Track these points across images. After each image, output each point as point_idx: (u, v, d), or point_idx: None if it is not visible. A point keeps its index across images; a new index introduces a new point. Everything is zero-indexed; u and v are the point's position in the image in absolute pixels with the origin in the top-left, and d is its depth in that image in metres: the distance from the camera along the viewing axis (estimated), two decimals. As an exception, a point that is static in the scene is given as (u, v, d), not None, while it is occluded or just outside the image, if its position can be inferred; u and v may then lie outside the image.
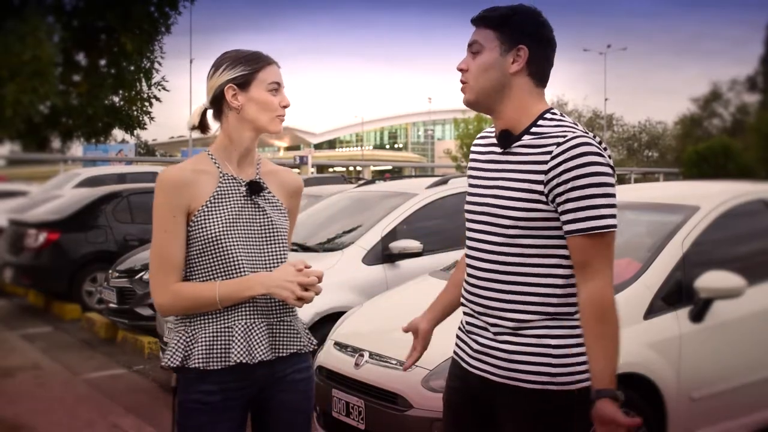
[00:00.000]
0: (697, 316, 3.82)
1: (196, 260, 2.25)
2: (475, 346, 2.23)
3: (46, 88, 8.65)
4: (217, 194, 2.26)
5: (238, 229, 2.25)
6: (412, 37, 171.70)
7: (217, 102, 2.30)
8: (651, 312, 3.72)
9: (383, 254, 5.66)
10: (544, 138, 2.12)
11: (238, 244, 2.24)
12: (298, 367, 2.35)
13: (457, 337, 2.36)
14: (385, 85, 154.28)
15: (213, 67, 2.31)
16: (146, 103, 11.43)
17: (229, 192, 2.28)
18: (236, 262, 2.23)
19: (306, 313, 5.33)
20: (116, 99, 11.33)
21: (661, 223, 4.25)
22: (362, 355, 3.96)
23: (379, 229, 5.78)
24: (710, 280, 3.81)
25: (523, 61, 2.15)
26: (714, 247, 4.12)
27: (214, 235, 2.22)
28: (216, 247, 2.22)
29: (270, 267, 2.29)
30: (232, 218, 2.25)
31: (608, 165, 2.06)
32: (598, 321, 2.04)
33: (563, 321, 2.13)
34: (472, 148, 2.38)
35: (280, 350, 2.30)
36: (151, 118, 11.74)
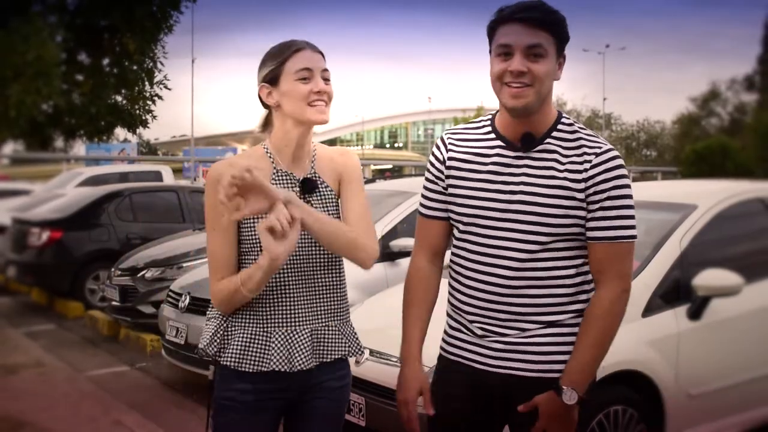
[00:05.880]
0: (694, 314, 3.85)
1: (244, 259, 2.19)
2: (498, 346, 2.21)
3: (50, 88, 8.70)
4: None
5: None
6: (412, 37, 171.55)
7: (263, 104, 2.26)
8: (649, 310, 3.75)
9: (383, 252, 5.69)
10: (573, 143, 2.16)
11: None
12: (338, 374, 2.30)
13: (461, 340, 2.30)
14: (385, 84, 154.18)
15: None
16: (148, 102, 11.50)
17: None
18: (282, 270, 2.17)
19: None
20: (119, 98, 11.39)
21: (659, 221, 4.27)
22: (362, 353, 3.99)
23: (380, 227, 5.81)
24: (708, 278, 3.84)
25: (562, 68, 2.18)
26: (712, 245, 4.14)
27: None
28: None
29: (316, 272, 2.22)
30: None
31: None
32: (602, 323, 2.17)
33: None
34: (455, 147, 2.28)
35: (325, 356, 2.24)
36: (154, 117, 11.83)
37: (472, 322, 2.25)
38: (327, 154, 2.32)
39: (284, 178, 2.22)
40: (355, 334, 2.37)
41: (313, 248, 2.22)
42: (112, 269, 7.97)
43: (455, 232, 2.31)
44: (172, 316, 5.81)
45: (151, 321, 7.09)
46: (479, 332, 2.24)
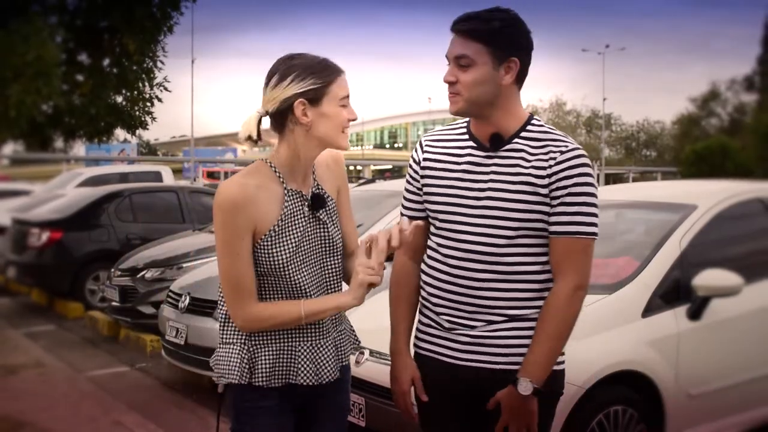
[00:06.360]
0: (694, 314, 3.85)
1: (260, 281, 2.17)
2: (466, 339, 2.28)
3: (50, 88, 8.68)
4: (285, 215, 2.16)
5: (303, 253, 2.18)
6: (412, 37, 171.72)
7: (281, 114, 2.14)
8: (649, 310, 3.75)
9: (384, 253, 5.69)
10: (540, 143, 2.22)
11: (302, 269, 2.17)
12: (344, 366, 2.36)
13: (430, 335, 2.38)
14: (385, 84, 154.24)
15: (278, 75, 2.12)
16: (148, 103, 11.45)
17: (296, 211, 2.18)
18: (301, 288, 2.18)
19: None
20: (119, 99, 11.36)
21: (659, 221, 4.29)
22: (363, 353, 3.99)
23: (380, 227, 5.81)
24: (708, 278, 3.84)
25: (515, 72, 2.21)
26: (711, 245, 4.14)
27: (280, 263, 2.14)
28: (281, 274, 2.15)
29: (329, 283, 2.25)
30: (298, 241, 2.16)
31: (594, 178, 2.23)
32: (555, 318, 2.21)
33: None
34: (431, 149, 2.37)
35: (343, 360, 2.31)
36: (153, 118, 11.76)
37: (439, 314, 2.33)
38: (322, 159, 2.30)
39: (294, 196, 2.19)
40: (353, 328, 2.44)
41: (330, 259, 2.26)
42: (112, 270, 7.98)
43: (432, 228, 2.38)
44: (172, 317, 5.81)
45: (151, 321, 7.09)
46: (447, 325, 2.31)
